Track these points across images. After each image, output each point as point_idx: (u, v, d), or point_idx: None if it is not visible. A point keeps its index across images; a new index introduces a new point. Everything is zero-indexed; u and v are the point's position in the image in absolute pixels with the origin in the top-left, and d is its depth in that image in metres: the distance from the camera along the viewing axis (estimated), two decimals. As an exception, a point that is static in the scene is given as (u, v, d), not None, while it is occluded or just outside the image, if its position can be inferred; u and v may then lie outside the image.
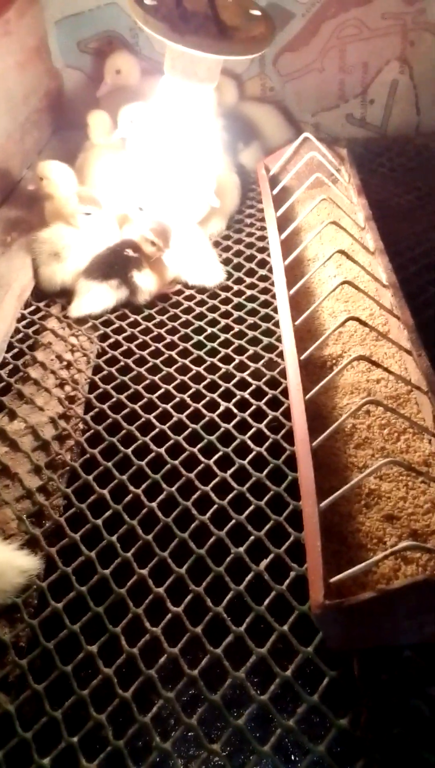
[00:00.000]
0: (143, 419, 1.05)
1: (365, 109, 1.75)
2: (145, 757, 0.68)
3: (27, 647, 0.79)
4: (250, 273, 1.34)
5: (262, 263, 1.35)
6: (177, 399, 1.08)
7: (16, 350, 1.20)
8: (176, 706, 0.72)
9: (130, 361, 1.17)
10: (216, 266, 1.33)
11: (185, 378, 1.12)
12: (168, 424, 1.03)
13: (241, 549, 0.84)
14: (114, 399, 1.09)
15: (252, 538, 0.86)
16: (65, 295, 1.30)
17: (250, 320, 1.22)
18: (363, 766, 0.64)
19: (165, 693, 0.73)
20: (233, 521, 0.88)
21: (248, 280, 1.32)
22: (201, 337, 1.20)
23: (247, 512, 0.89)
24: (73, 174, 1.32)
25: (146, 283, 1.26)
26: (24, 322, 1.26)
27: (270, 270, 1.29)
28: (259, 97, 1.77)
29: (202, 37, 0.90)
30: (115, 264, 1.24)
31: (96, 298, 1.24)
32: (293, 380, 0.96)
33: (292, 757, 0.70)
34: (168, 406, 1.07)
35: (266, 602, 0.79)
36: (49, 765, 0.67)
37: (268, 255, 1.33)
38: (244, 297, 1.28)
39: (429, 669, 0.69)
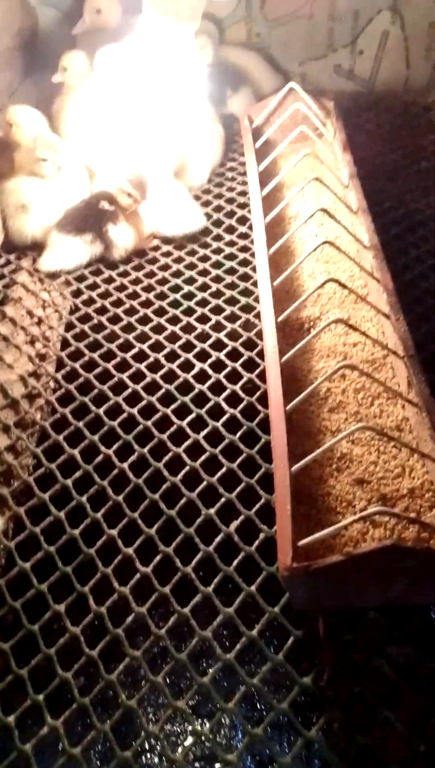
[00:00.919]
0: (116, 379, 1.03)
1: (354, 60, 1.67)
2: (111, 713, 0.68)
3: (-7, 605, 0.79)
4: (230, 230, 1.30)
5: (243, 220, 1.31)
6: (151, 359, 1.06)
7: (-15, 305, 1.16)
8: (143, 664, 0.72)
9: (103, 319, 1.14)
10: (195, 211, 1.28)
11: (160, 337, 1.10)
12: (141, 384, 1.02)
13: (212, 510, 0.84)
14: (86, 357, 1.07)
15: (223, 499, 0.85)
16: (37, 248, 1.25)
17: (229, 279, 1.19)
18: (324, 723, 0.65)
19: (132, 651, 0.73)
20: (205, 483, 0.87)
21: (227, 237, 1.28)
22: (177, 296, 1.17)
23: (218, 474, 0.88)
24: (44, 120, 1.25)
25: (122, 237, 1.22)
26: (-7, 276, 1.22)
27: (251, 227, 1.26)
28: (244, 43, 1.68)
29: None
30: (89, 217, 1.19)
31: (68, 252, 1.20)
32: (269, 342, 0.95)
33: (256, 714, 0.72)
34: (142, 366, 1.05)
35: (235, 563, 0.79)
36: (14, 722, 0.67)
37: (249, 211, 1.29)
38: (222, 255, 1.25)
39: (392, 630, 0.70)
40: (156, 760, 0.69)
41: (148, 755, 0.70)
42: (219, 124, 1.45)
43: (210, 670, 0.71)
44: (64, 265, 1.21)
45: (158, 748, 0.68)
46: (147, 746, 0.68)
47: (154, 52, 1.06)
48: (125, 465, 0.91)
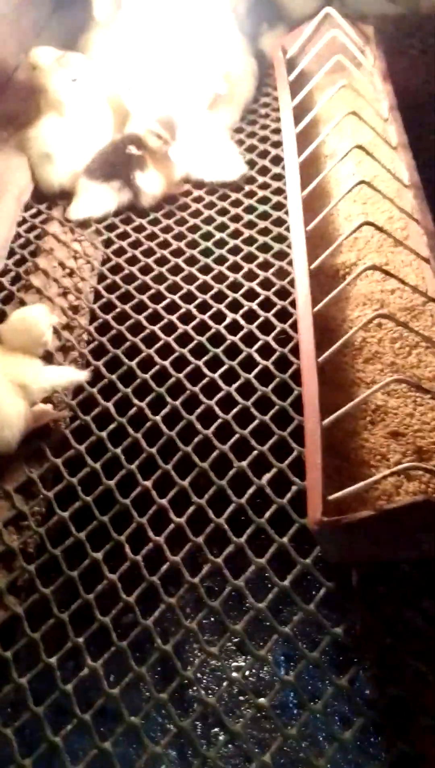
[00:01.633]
0: (148, 330, 1.02)
1: (399, -22, 1.54)
2: (146, 657, 0.71)
3: (35, 553, 0.81)
4: (263, 171, 1.25)
5: (277, 159, 1.26)
6: (183, 310, 1.04)
7: (17, 257, 1.16)
8: (177, 610, 0.74)
9: (135, 269, 1.12)
10: (235, 157, 1.23)
11: (192, 287, 1.08)
12: (173, 336, 1.01)
13: (244, 463, 0.84)
14: (118, 309, 1.06)
15: (255, 452, 0.85)
16: (66, 196, 1.23)
17: (262, 224, 1.15)
18: (354, 673, 0.67)
19: (167, 598, 0.75)
20: (237, 435, 0.87)
21: (260, 179, 1.23)
22: (209, 244, 1.14)
23: (251, 427, 0.88)
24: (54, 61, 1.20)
25: (150, 184, 1.18)
26: (25, 226, 1.21)
27: (284, 168, 1.20)
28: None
29: None
30: (116, 163, 1.16)
31: (96, 199, 1.17)
32: (302, 291, 0.92)
33: (288, 663, 0.73)
34: (173, 317, 1.03)
35: (267, 515, 0.79)
36: (57, 664, 0.71)
37: (283, 150, 1.22)
38: (255, 198, 1.20)
39: (425, 583, 0.70)
40: (191, 702, 0.72)
41: (183, 697, 0.73)
42: (252, 58, 1.37)
43: (243, 618, 0.73)
44: (93, 213, 1.18)
45: (192, 691, 0.71)
46: (182, 689, 0.70)
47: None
48: (158, 417, 0.91)
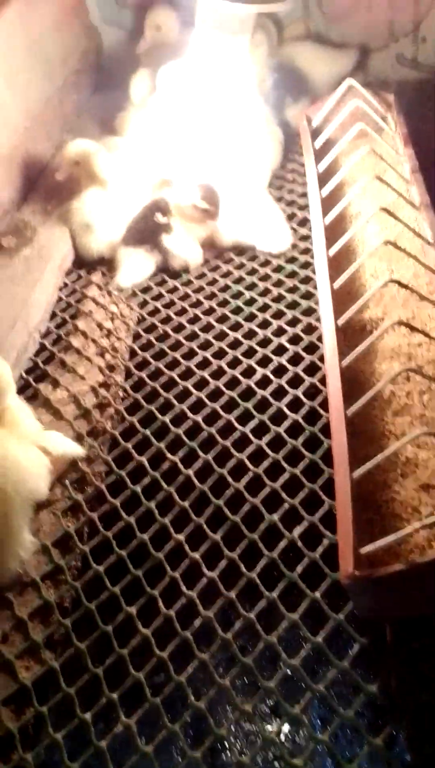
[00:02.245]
0: (181, 387, 1.06)
1: (417, 47, 1.62)
2: (180, 715, 0.71)
3: (71, 608, 0.83)
4: (291, 232, 1.30)
5: (304, 222, 1.31)
6: (214, 366, 1.08)
7: (58, 319, 1.23)
8: (210, 667, 0.74)
9: (168, 328, 1.17)
10: (284, 229, 1.28)
11: (223, 344, 1.11)
12: (205, 392, 1.04)
13: (275, 516, 0.85)
14: (152, 366, 1.10)
15: (286, 505, 0.86)
16: (104, 262, 1.31)
17: (290, 283, 1.20)
18: (390, 731, 0.65)
19: (200, 654, 0.75)
20: (268, 488, 0.88)
21: (288, 240, 1.28)
22: (239, 302, 1.19)
23: (281, 479, 0.89)
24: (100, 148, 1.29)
25: (178, 246, 1.24)
26: (66, 291, 1.28)
27: (311, 228, 1.25)
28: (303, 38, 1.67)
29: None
30: (145, 230, 1.23)
31: (137, 265, 1.24)
32: (330, 346, 0.94)
33: (322, 721, 0.72)
34: (205, 373, 1.07)
35: (299, 569, 0.79)
36: (91, 719, 0.71)
37: (309, 212, 1.28)
38: (283, 258, 1.25)
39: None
40: (225, 761, 0.71)
41: (217, 756, 0.72)
42: (278, 127, 1.45)
43: (276, 675, 0.72)
44: (137, 278, 1.25)
45: (227, 750, 0.70)
46: (215, 748, 0.69)
47: (211, 66, 1.08)
48: (190, 471, 0.93)
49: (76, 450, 0.96)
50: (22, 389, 1.09)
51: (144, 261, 1.25)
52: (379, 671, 0.69)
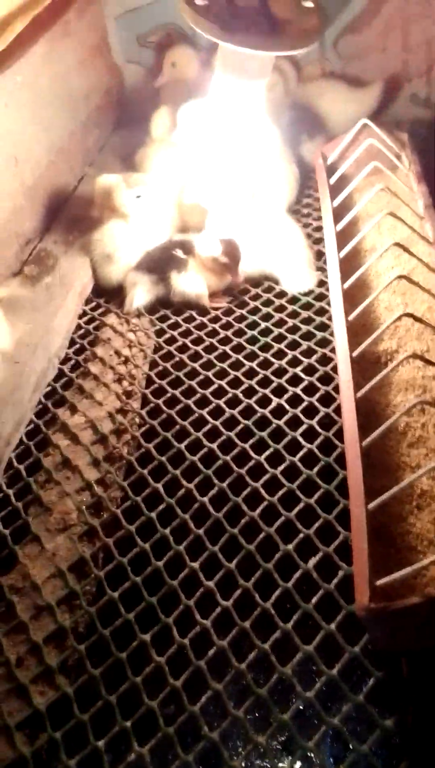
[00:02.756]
0: (197, 414, 1.07)
1: (430, 87, 1.67)
2: (193, 745, 0.71)
3: (85, 633, 0.83)
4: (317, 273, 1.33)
5: (318, 255, 1.34)
6: (230, 395, 1.09)
7: (77, 346, 1.25)
8: (224, 697, 0.74)
9: (184, 357, 1.19)
10: (310, 269, 1.30)
11: (238, 373, 1.13)
12: (220, 420, 1.05)
13: (290, 546, 0.85)
14: (169, 394, 1.12)
15: (301, 535, 0.87)
16: (123, 291, 1.33)
17: (305, 314, 1.22)
18: (407, 767, 0.64)
19: (214, 684, 0.75)
20: (283, 518, 0.89)
21: (304, 273, 1.31)
22: (255, 332, 1.21)
23: (296, 509, 0.90)
24: (121, 181, 1.33)
25: (185, 285, 1.26)
26: (85, 318, 1.31)
27: (326, 262, 1.28)
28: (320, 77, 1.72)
29: (253, 35, 0.89)
30: (159, 260, 1.26)
31: (142, 290, 1.27)
32: (344, 377, 0.96)
33: (337, 756, 0.71)
34: (221, 402, 1.08)
35: (314, 600, 0.80)
36: (103, 747, 0.71)
37: (325, 246, 1.31)
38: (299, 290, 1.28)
39: None
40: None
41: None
42: (293, 164, 1.49)
43: (290, 708, 0.72)
44: (140, 302, 1.28)
45: (239, 782, 0.70)
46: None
47: (230, 105, 1.12)
48: (205, 499, 0.94)
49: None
50: (41, 414, 1.11)
51: (146, 286, 1.27)
52: (396, 706, 0.69)
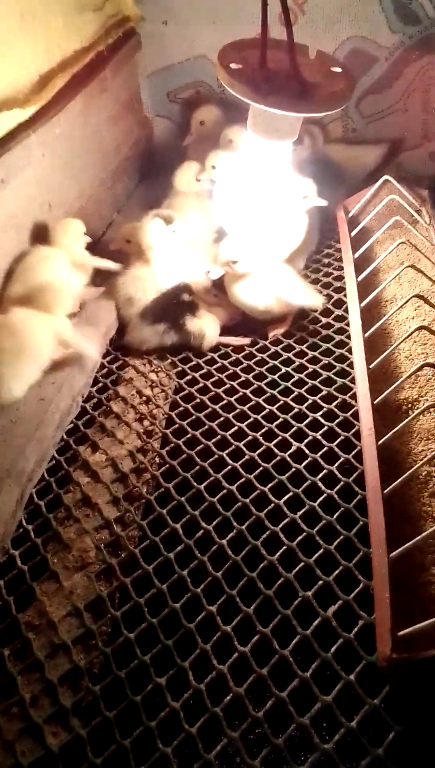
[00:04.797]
0: (216, 456, 1.08)
1: (449, 146, 1.73)
2: (207, 795, 0.69)
3: (100, 674, 0.82)
4: (326, 313, 1.36)
5: (339, 303, 1.37)
6: (250, 437, 1.11)
7: (100, 384, 1.27)
8: (240, 746, 0.73)
9: (205, 398, 1.21)
10: (313, 291, 1.36)
11: (258, 417, 1.14)
12: (240, 462, 1.06)
13: (310, 593, 0.85)
14: (189, 435, 1.13)
15: (320, 582, 0.86)
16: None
17: (325, 360, 1.24)
18: None
19: (230, 732, 0.74)
20: (302, 563, 0.89)
21: (324, 320, 1.34)
22: (275, 376, 1.23)
23: (316, 555, 0.89)
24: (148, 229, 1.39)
25: (201, 328, 1.30)
26: (109, 358, 1.34)
27: (346, 310, 1.31)
28: (341, 138, 1.80)
29: (283, 97, 0.94)
30: (168, 309, 1.29)
31: (143, 337, 1.31)
32: (366, 424, 0.97)
33: None
34: (241, 444, 1.09)
35: (333, 649, 0.79)
36: (117, 793, 0.70)
37: (345, 295, 1.34)
38: (319, 336, 1.30)
39: None
40: None
41: None
42: (315, 215, 1.54)
43: (308, 760, 0.70)
44: (140, 347, 1.31)
45: None
46: None
47: (259, 161, 1.17)
48: (224, 541, 0.94)
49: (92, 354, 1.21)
50: (63, 450, 1.12)
51: (151, 336, 1.31)
52: (416, 761, 0.67)
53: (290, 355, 1.28)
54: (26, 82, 1.24)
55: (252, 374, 1.25)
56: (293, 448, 1.07)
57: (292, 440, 1.08)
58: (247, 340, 1.33)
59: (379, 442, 0.91)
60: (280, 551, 0.91)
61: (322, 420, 1.11)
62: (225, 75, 0.98)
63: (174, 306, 1.30)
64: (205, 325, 1.31)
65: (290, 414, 1.14)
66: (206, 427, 1.15)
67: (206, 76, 1.80)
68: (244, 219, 1.31)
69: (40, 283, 1.20)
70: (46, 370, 1.15)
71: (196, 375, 1.27)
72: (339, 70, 1.03)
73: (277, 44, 1.02)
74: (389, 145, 1.71)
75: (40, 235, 1.32)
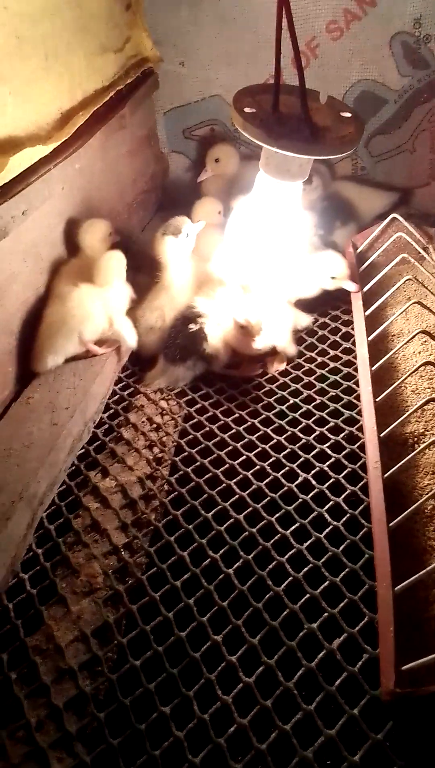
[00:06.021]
0: (224, 485, 1.10)
1: (456, 185, 1.78)
2: None
3: (105, 700, 0.83)
4: (334, 345, 1.39)
5: (346, 336, 1.39)
6: (257, 467, 1.12)
7: (111, 411, 1.30)
8: (243, 778, 0.73)
9: (214, 427, 1.23)
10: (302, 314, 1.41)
11: (266, 447, 1.16)
12: (247, 491, 1.07)
13: (315, 625, 0.86)
14: (197, 463, 1.15)
15: (326, 614, 0.87)
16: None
17: (332, 392, 1.26)
18: None
19: (233, 764, 0.74)
20: (307, 595, 0.90)
21: (332, 353, 1.36)
22: (283, 407, 1.25)
23: (321, 587, 0.90)
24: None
25: (216, 348, 1.33)
26: (120, 385, 1.36)
27: (354, 343, 1.33)
28: (350, 176, 1.85)
29: (295, 140, 0.98)
30: (186, 344, 1.31)
31: (174, 378, 1.34)
32: (372, 457, 0.98)
33: None
34: (248, 474, 1.11)
35: (337, 682, 0.79)
36: None
37: (353, 329, 1.37)
38: (327, 369, 1.33)
39: None
40: None
41: None
42: (326, 249, 1.57)
43: (310, 794, 0.70)
44: (166, 385, 1.34)
45: None
46: None
47: (270, 204, 1.21)
48: (231, 570, 0.95)
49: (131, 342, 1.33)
50: (74, 475, 1.14)
51: (183, 374, 1.34)
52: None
53: (298, 386, 1.30)
54: (49, 120, 1.29)
55: (260, 404, 1.27)
56: (300, 479, 1.08)
57: (299, 471, 1.10)
58: (257, 370, 1.36)
59: (385, 475, 0.93)
60: (286, 582, 0.92)
61: (329, 451, 1.12)
62: (239, 118, 1.02)
63: (191, 340, 1.33)
64: (217, 344, 1.34)
65: (297, 444, 1.16)
66: (215, 455, 1.17)
67: (220, 114, 1.86)
68: (255, 258, 1.34)
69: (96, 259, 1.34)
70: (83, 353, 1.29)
71: (206, 403, 1.30)
72: (348, 114, 1.08)
73: (289, 89, 1.07)
74: (400, 194, 1.75)
75: (60, 262, 1.36)
